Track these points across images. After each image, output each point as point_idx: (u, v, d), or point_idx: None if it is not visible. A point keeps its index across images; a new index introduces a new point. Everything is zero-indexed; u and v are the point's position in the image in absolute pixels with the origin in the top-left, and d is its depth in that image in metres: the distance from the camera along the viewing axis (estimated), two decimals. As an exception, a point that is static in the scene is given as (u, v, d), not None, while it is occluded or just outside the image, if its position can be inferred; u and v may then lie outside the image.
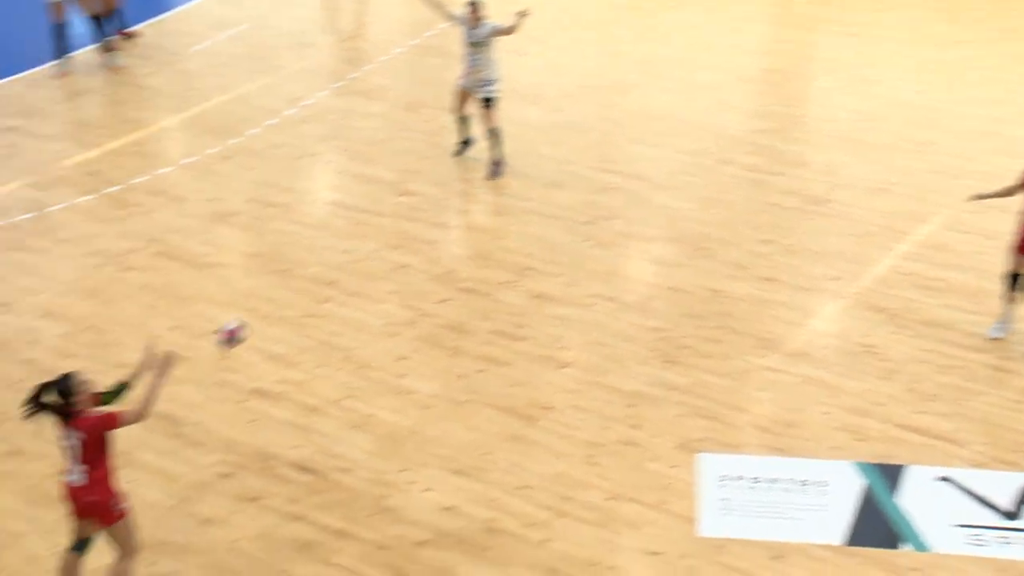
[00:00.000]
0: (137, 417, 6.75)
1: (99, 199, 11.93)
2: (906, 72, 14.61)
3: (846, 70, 14.62)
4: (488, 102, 12.24)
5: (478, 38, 12.14)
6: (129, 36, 15.26)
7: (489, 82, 12.19)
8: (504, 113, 13.76)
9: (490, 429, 9.00)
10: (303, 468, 8.50)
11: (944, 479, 8.60)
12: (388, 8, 16.29)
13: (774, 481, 8.62)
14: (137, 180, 12.29)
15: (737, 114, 13.73)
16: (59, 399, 6.74)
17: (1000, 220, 11.60)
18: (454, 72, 14.54)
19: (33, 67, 14.30)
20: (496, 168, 12.52)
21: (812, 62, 15.30)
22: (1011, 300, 10.04)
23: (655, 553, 7.94)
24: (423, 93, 14.25)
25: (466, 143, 12.80)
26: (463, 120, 12.67)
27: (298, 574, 7.62)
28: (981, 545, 8.04)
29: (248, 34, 15.51)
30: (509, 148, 13.12)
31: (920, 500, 8.39)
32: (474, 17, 12.03)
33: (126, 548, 7.06)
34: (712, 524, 8.24)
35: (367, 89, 14.36)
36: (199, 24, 15.55)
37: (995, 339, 10.06)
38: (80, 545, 7.11)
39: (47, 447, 8.54)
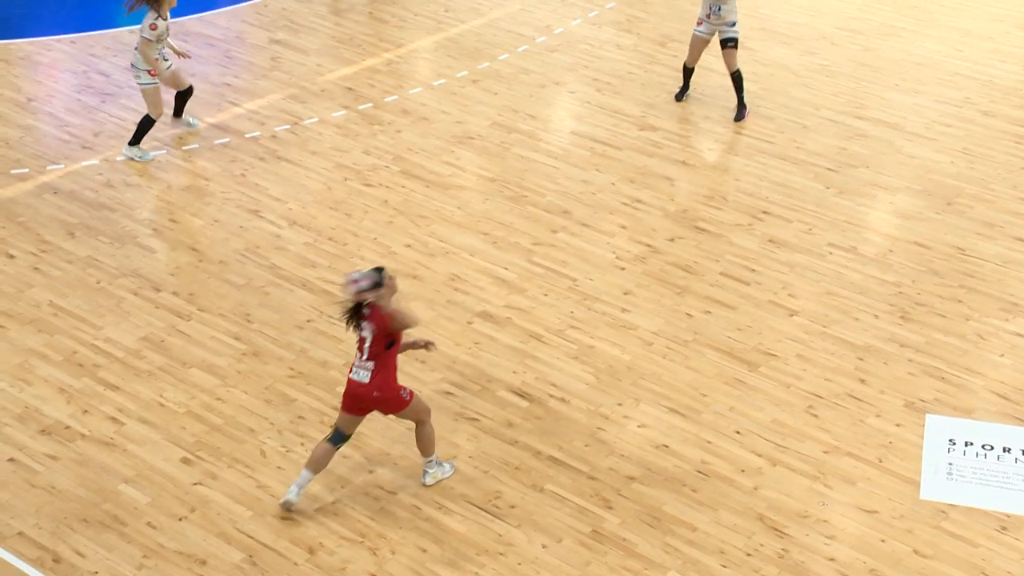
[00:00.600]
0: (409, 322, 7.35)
1: (351, 115, 12.33)
2: None
3: None
4: (728, 43, 11.94)
5: None
6: None
7: (730, 24, 11.89)
8: (756, 52, 13.43)
9: (710, 371, 8.91)
10: (522, 394, 8.64)
11: None
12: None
13: (1007, 450, 8.22)
14: (388, 99, 12.63)
15: (1011, 64, 12.94)
16: (368, 290, 7.25)
17: None
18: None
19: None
20: (740, 112, 12.25)
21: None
22: None
23: (870, 511, 7.72)
24: (676, 28, 14.03)
25: (686, 90, 12.58)
26: (690, 71, 12.44)
27: (509, 496, 7.78)
28: None
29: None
30: (759, 87, 12.81)
31: None
32: None
33: (422, 417, 7.68)
34: (935, 488, 7.94)
35: (620, 20, 14.24)
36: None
37: None
38: (337, 437, 7.58)
39: (282, 351, 8.99)
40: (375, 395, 7.40)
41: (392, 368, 7.47)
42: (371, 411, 7.53)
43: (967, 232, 10.46)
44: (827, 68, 13.20)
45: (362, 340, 7.36)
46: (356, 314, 7.35)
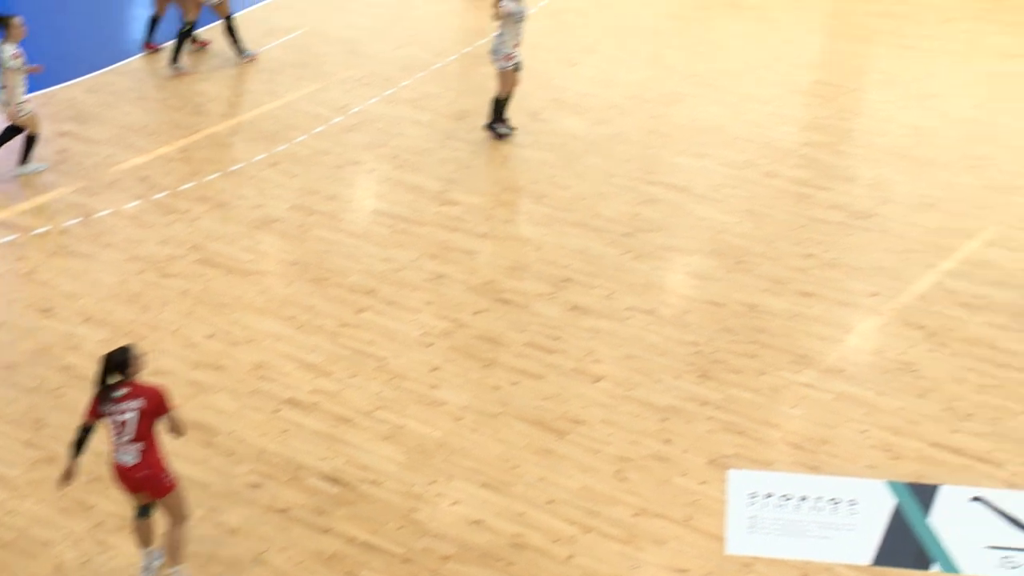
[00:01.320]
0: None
1: (145, 205, 12.10)
2: (963, 86, 14.38)
3: (902, 84, 14.43)
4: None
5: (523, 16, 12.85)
6: (203, 45, 15.47)
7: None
8: (550, 123, 13.77)
9: (520, 442, 9.00)
10: (332, 479, 8.56)
11: (977, 499, 8.43)
12: (442, 16, 16.36)
13: (804, 499, 8.50)
14: (184, 186, 12.46)
15: (788, 126, 13.61)
16: (117, 372, 7.16)
17: (1049, 238, 11.42)
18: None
19: (89, 72, 14.51)
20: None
21: (867, 75, 15.11)
22: None
23: (681, 570, 7.88)
24: (471, 102, 14.28)
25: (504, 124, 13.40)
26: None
27: (321, 584, 7.67)
28: (1013, 567, 7.88)
29: (301, 41, 15.64)
30: (554, 157, 13.13)
31: (952, 521, 8.21)
32: None
33: (179, 515, 7.44)
34: (740, 542, 8.14)
35: (416, 97, 14.42)
36: (253, 31, 15.69)
37: None
38: (144, 511, 7.48)
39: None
40: (143, 474, 7.20)
41: (160, 447, 7.30)
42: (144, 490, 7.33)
43: (756, 289, 10.89)
44: (618, 136, 13.62)
45: (121, 423, 7.13)
46: (107, 397, 7.14)
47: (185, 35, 14.78)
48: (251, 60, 15.11)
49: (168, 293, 10.65)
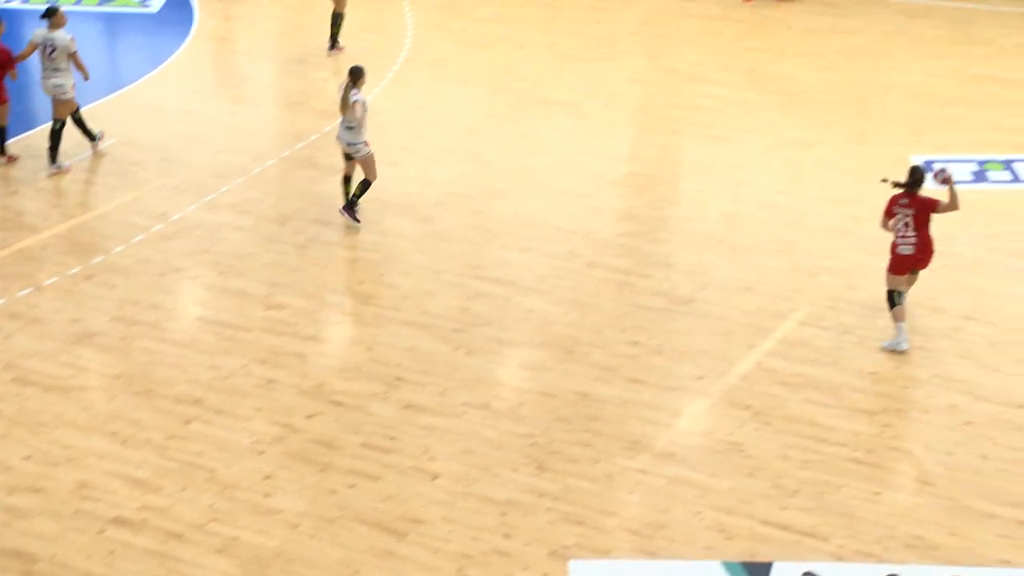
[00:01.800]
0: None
1: (-45, 325, 11.61)
2: (769, 174, 15.03)
3: (714, 172, 14.99)
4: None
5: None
6: (11, 160, 15.03)
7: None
8: (376, 224, 13.82)
9: (359, 546, 8.86)
10: (164, 597, 8.25)
11: (808, 574, 8.68)
12: (258, 121, 16.31)
13: (644, 585, 8.62)
14: (-4, 303, 12.01)
15: (606, 217, 13.95)
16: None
17: (859, 315, 11.95)
18: (325, 185, 14.63)
19: None
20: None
21: (679, 165, 15.66)
22: (897, 316, 11.42)
23: (528, 666, 7.84)
24: (293, 205, 14.22)
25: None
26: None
27: None
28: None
29: (114, 150, 15.36)
30: (380, 256, 13.15)
31: (787, 597, 8.46)
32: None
33: None
34: (585, 632, 8.18)
35: (237, 202, 14.27)
36: (64, 141, 15.33)
37: (898, 351, 11.34)
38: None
39: None
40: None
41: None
42: None
43: (586, 378, 11.05)
44: (443, 233, 13.74)
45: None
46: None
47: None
48: (65, 171, 14.78)
49: (-19, 415, 10.19)
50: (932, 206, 11.29)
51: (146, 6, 19.65)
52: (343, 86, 13.37)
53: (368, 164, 13.67)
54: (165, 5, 19.94)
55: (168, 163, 15.19)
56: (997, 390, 10.89)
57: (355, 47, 18.55)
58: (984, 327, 11.82)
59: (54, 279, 12.51)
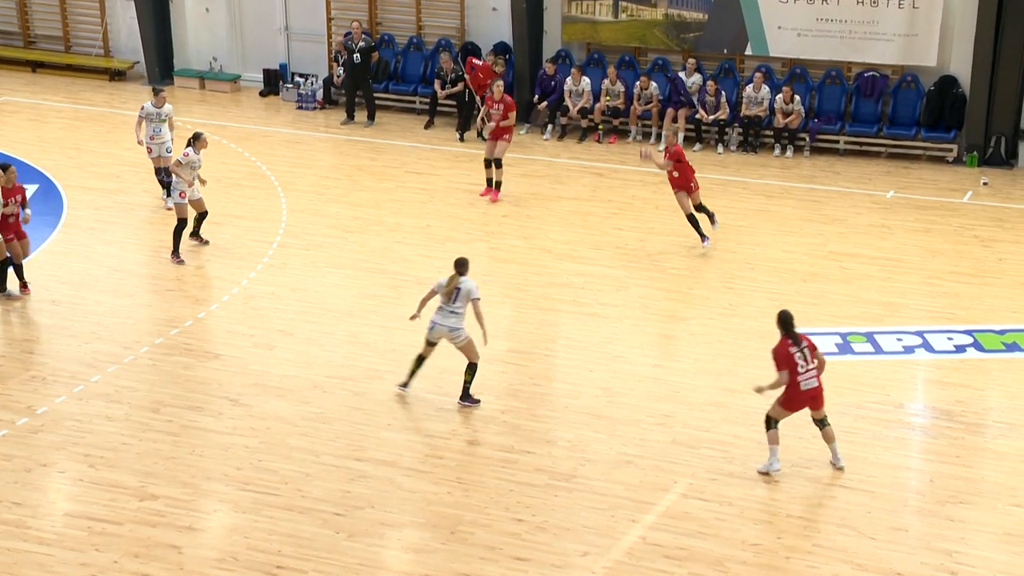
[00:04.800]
0: None
1: None
2: (643, 347, 15.30)
3: (588, 347, 15.21)
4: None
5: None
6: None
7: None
8: (252, 408, 13.63)
9: None
10: None
11: None
12: (127, 309, 16.11)
13: None
14: None
15: (486, 395, 13.98)
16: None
17: (738, 486, 12.09)
18: (199, 371, 14.43)
19: None
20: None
21: (555, 341, 15.87)
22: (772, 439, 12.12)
23: None
24: (168, 393, 13.96)
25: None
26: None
27: None
28: None
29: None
30: (258, 442, 12.93)
31: None
32: None
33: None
34: None
35: (108, 392, 13.96)
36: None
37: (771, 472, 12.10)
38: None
39: None
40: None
41: None
42: None
43: (472, 558, 10.91)
44: (322, 415, 13.60)
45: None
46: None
47: None
48: None
49: None
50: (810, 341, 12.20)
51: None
52: (449, 278, 13.54)
53: (471, 348, 13.69)
54: (32, 196, 19.77)
55: (32, 355, 14.85)
56: (874, 557, 11.06)
57: (230, 233, 18.59)
58: (859, 495, 12.05)
59: (-87, 478, 11.99)
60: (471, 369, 13.78)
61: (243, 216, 19.43)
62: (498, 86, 20.40)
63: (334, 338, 15.54)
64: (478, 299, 13.68)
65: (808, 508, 11.83)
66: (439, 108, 24.15)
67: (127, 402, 13.77)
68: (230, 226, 18.92)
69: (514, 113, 20.34)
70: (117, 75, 26.90)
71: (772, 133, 22.71)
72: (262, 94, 26.14)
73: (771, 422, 12.21)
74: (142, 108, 19.54)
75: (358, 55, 23.91)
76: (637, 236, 18.79)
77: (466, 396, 13.83)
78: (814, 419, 12.33)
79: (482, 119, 21.04)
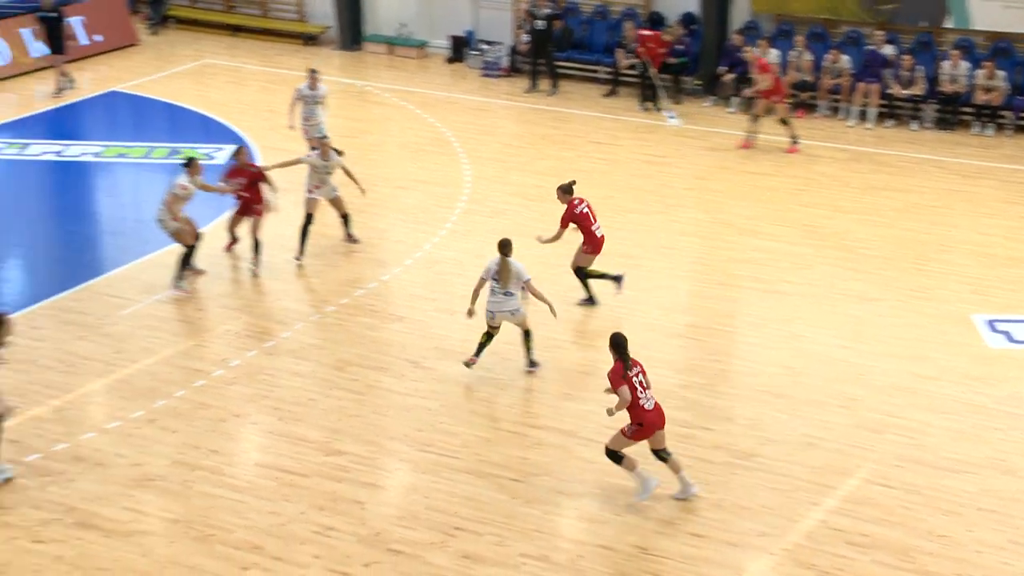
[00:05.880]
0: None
1: (16, 468, 11.65)
2: (828, 327, 14.95)
3: (770, 325, 14.96)
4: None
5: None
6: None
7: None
8: (434, 371, 13.87)
9: None
10: None
11: None
12: (318, 270, 16.54)
13: None
14: (58, 447, 12.08)
15: (665, 369, 13.91)
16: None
17: (926, 475, 11.75)
18: (383, 332, 14.75)
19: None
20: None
21: (735, 317, 15.66)
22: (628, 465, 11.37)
23: None
24: (352, 352, 14.32)
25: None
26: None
27: None
28: None
29: (175, 298, 15.59)
30: (439, 404, 13.15)
31: None
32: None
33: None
34: None
35: (296, 348, 14.39)
36: (127, 289, 15.62)
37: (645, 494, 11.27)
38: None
39: None
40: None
41: None
42: None
43: (647, 531, 10.90)
44: (500, 381, 13.75)
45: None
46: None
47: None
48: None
49: (41, 559, 10.18)
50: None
51: (211, 159, 20.16)
52: (498, 260, 13.51)
53: (526, 319, 13.84)
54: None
55: (229, 310, 15.39)
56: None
57: (414, 198, 18.90)
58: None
59: (117, 423, 12.60)
60: (529, 336, 13.88)
61: (427, 181, 19.71)
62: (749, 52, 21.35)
63: (513, 303, 15.63)
64: (529, 279, 13.59)
65: (1002, 503, 11.39)
66: (621, 78, 24.02)
67: (314, 359, 14.18)
68: (415, 191, 19.24)
69: (767, 75, 20.54)
70: (310, 39, 27.59)
71: (972, 110, 21.83)
72: (448, 60, 26.46)
73: (614, 455, 11.35)
74: (296, 90, 19.24)
75: (543, 23, 23.95)
76: (823, 213, 18.36)
77: (532, 362, 13.91)
78: (654, 450, 11.44)
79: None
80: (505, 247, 13.54)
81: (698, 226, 18.14)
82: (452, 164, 20.54)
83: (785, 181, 19.74)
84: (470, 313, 13.78)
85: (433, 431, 12.67)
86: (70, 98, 23.39)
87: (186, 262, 15.52)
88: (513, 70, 25.45)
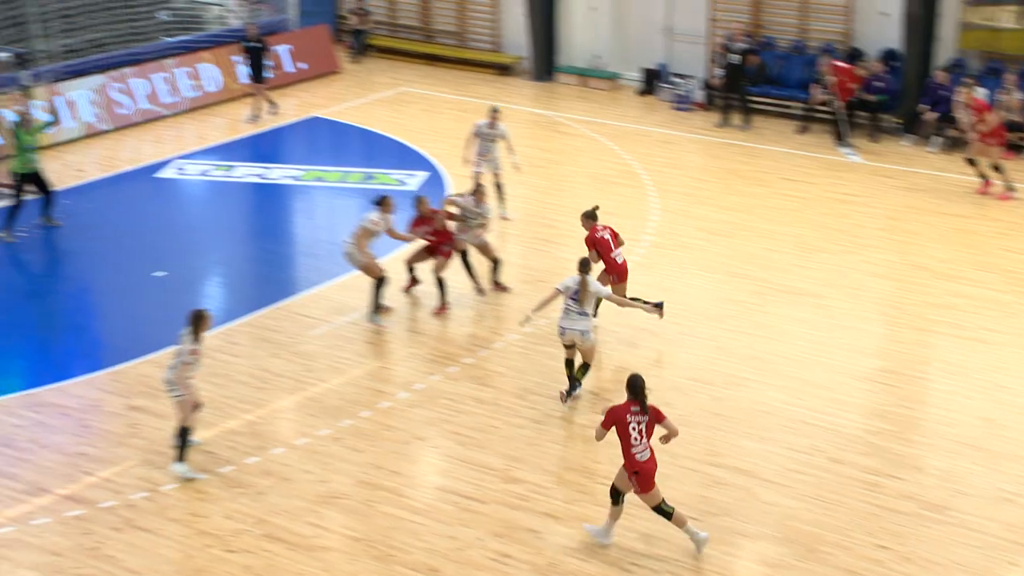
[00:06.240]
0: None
1: (211, 479, 12.12)
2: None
3: (970, 374, 14.37)
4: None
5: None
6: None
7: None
8: (611, 402, 13.76)
9: None
10: None
11: None
12: (507, 296, 16.69)
13: None
14: (250, 460, 12.50)
15: (851, 413, 13.54)
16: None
17: None
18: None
19: (160, 348, 14.69)
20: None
21: (929, 364, 15.12)
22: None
23: None
24: (533, 381, 14.40)
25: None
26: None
27: None
28: None
29: (365, 320, 15.96)
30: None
31: None
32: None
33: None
34: None
35: (479, 375, 14.56)
36: (319, 309, 16.09)
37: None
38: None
39: None
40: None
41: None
42: None
43: (831, 580, 10.60)
44: (680, 417, 13.55)
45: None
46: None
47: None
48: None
49: (232, 568, 10.54)
50: (660, 415, 11.04)
51: (403, 184, 20.64)
52: (577, 279, 13.52)
53: (593, 351, 13.85)
54: (425, 182, 20.89)
55: (414, 334, 15.67)
56: None
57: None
58: None
59: (305, 440, 12.96)
60: (586, 369, 13.74)
61: (614, 213, 19.64)
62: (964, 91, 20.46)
63: (696, 341, 15.49)
64: (609, 294, 13.78)
65: None
66: (815, 114, 23.58)
67: (495, 386, 14.30)
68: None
69: (991, 115, 19.93)
70: (504, 70, 28.01)
71: None
72: (640, 93, 26.47)
73: (616, 494, 11.13)
74: (475, 125, 19.20)
75: (738, 57, 23.74)
76: (1028, 260, 17.60)
77: (573, 390, 13.74)
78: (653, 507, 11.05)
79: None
80: (585, 266, 13.56)
81: (891, 268, 17.62)
82: (639, 197, 20.51)
83: (987, 224, 19.01)
84: (526, 322, 14.16)
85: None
86: (273, 123, 24.29)
87: (377, 296, 15.79)
88: (705, 104, 25.30)
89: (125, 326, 15.70)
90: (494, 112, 19.18)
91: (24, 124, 17.82)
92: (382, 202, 15.64)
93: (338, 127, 24.35)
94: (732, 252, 18.25)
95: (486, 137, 19.14)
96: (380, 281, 15.80)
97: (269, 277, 17.04)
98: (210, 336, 14.94)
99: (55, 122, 19.59)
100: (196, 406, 12.27)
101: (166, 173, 21.39)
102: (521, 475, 12.35)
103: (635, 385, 10.94)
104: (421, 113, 25.25)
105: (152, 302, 15.13)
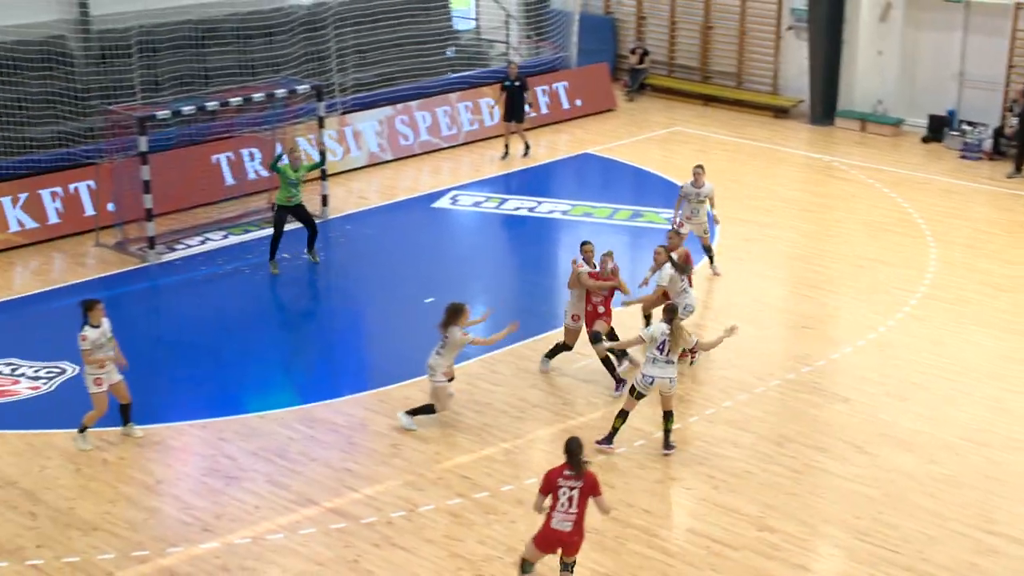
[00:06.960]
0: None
1: (466, 503, 12.38)
2: None
3: None
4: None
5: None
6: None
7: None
8: (877, 458, 13.30)
9: None
10: None
11: None
12: (765, 340, 16.37)
13: None
14: (504, 488, 12.69)
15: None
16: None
17: None
18: (826, 411, 14.35)
19: (421, 375, 15.09)
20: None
21: None
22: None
23: None
24: (792, 428, 14.02)
25: None
26: None
27: None
28: None
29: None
30: (881, 493, 12.60)
31: None
32: None
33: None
34: None
35: (736, 419, 14.30)
36: (579, 343, 16.19)
37: None
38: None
39: None
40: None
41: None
42: None
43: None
44: (952, 478, 12.94)
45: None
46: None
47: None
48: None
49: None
50: (596, 489, 10.29)
51: (670, 224, 20.53)
52: (667, 329, 13.06)
53: (673, 397, 13.49)
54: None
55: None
56: None
57: (872, 278, 18.31)
58: None
59: (558, 471, 13.03)
60: (671, 416, 13.45)
61: (888, 262, 19.03)
62: None
63: (972, 399, 14.73)
64: (697, 340, 13.60)
65: None
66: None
67: (753, 431, 14.01)
68: (873, 270, 18.62)
69: None
70: (780, 112, 27.56)
71: None
72: (924, 140, 25.48)
73: (525, 564, 10.55)
74: (681, 187, 18.25)
75: (1032, 104, 22.54)
76: None
77: (669, 444, 13.30)
78: (562, 560, 10.50)
79: None
80: (672, 312, 13.16)
81: None
82: (917, 246, 19.71)
83: None
84: (618, 358, 14.97)
85: (872, 520, 12.12)
86: (544, 159, 24.68)
87: (618, 353, 15.25)
88: (995, 153, 24.10)
89: (394, 349, 16.27)
90: (698, 170, 18.04)
91: (292, 162, 18.66)
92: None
93: (609, 164, 24.55)
94: (1017, 309, 17.27)
95: (692, 198, 18.00)
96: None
97: (532, 310, 17.30)
98: (472, 364, 15.38)
99: (322, 164, 20.50)
100: (449, 395, 13.76)
101: (441, 203, 22.11)
102: (775, 524, 12.04)
103: (571, 448, 10.35)
104: (693, 153, 25.12)
105: (421, 327, 15.63)
